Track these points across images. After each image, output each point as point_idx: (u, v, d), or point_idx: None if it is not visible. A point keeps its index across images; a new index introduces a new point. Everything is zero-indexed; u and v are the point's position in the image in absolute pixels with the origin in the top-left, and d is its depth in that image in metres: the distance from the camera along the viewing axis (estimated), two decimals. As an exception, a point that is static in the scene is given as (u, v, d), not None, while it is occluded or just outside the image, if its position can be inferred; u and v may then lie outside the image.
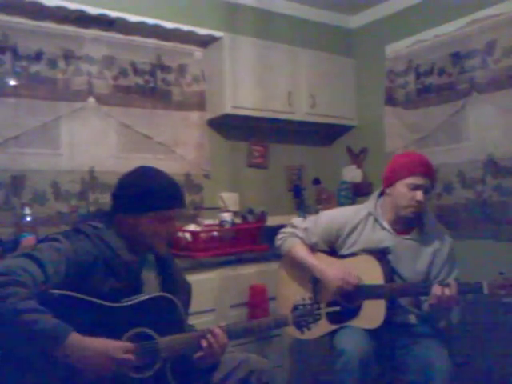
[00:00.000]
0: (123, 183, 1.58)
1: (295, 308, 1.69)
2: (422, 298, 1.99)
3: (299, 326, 1.68)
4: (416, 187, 1.93)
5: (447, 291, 1.78)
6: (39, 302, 1.26)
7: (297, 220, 2.27)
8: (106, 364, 1.28)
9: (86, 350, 1.25)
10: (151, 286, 1.59)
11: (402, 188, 1.96)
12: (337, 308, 1.88)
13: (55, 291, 1.34)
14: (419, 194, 1.93)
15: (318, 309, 1.70)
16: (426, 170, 1.96)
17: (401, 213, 1.99)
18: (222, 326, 1.56)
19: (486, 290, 1.76)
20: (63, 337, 1.23)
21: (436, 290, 1.80)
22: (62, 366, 1.26)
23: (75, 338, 1.24)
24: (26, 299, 1.22)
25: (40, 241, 1.48)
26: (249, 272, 2.63)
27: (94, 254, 1.44)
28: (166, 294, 1.52)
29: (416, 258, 2.01)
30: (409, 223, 2.03)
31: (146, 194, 1.52)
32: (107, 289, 1.42)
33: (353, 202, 3.36)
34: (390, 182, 2.02)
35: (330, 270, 2.01)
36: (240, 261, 2.61)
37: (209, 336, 1.50)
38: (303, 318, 1.68)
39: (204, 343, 1.50)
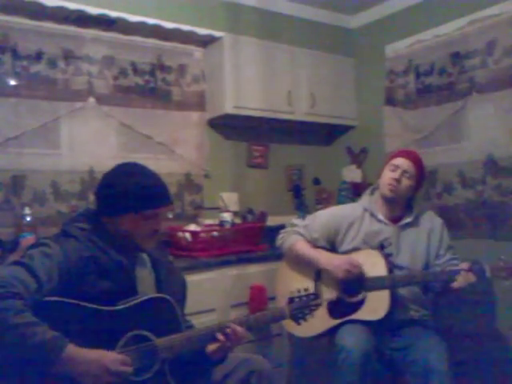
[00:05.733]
0: (104, 183, 1.55)
1: (291, 300, 1.69)
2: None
3: (296, 318, 1.67)
4: (395, 168, 2.10)
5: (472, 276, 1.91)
6: (34, 310, 1.25)
7: (296, 220, 2.33)
8: (102, 376, 1.27)
9: (82, 362, 1.25)
10: (146, 285, 1.57)
11: (384, 172, 2.14)
12: (333, 297, 1.88)
13: (50, 298, 1.32)
14: (396, 173, 2.08)
15: (314, 299, 1.69)
16: (407, 154, 2.14)
17: (382, 193, 2.13)
18: (227, 322, 1.57)
19: (488, 273, 1.90)
20: (60, 350, 1.22)
21: (466, 277, 1.91)
22: (59, 376, 1.25)
23: (72, 351, 1.24)
24: (22, 312, 1.21)
25: (29, 247, 1.46)
26: (249, 272, 2.63)
27: (85, 257, 1.43)
28: (161, 295, 1.52)
29: (414, 243, 2.12)
30: (400, 211, 2.15)
31: (127, 195, 1.48)
32: (101, 291, 1.41)
33: (353, 202, 3.36)
34: (380, 172, 2.19)
35: (335, 257, 2.09)
36: (240, 261, 2.61)
37: (228, 330, 1.52)
38: (299, 309, 1.67)
39: (220, 337, 1.52)
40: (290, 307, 1.67)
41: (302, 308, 1.67)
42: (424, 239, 2.13)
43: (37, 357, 1.21)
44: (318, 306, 1.70)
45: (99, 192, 1.55)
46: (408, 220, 2.14)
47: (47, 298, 1.32)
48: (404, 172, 2.08)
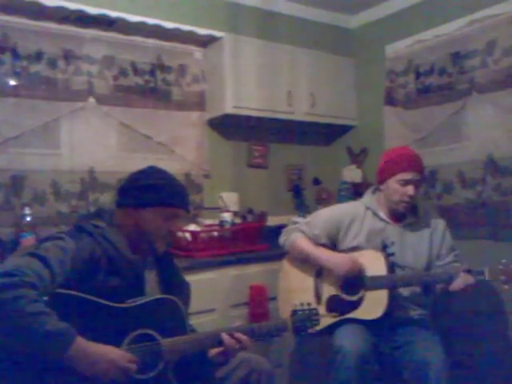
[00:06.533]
0: (132, 177, 1.60)
1: (294, 313, 1.70)
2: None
3: (298, 330, 1.69)
4: (406, 182, 2.02)
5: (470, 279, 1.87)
6: (45, 301, 1.26)
7: (297, 219, 2.35)
8: (108, 370, 1.29)
9: (90, 355, 1.27)
10: (152, 286, 1.59)
11: (393, 184, 2.05)
12: (335, 314, 1.91)
13: (61, 290, 1.34)
14: (410, 189, 2.01)
15: (316, 314, 1.72)
16: (414, 165, 2.04)
17: (395, 207, 2.08)
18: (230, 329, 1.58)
19: (487, 276, 1.86)
20: (69, 341, 1.23)
21: (465, 278, 1.88)
22: (65, 368, 1.26)
23: (80, 343, 1.25)
24: (35, 301, 1.22)
25: (43, 239, 1.47)
26: (249, 272, 2.63)
27: (97, 253, 1.45)
28: (169, 296, 1.53)
29: (416, 242, 2.10)
30: (405, 211, 2.11)
31: (154, 187, 1.54)
32: (111, 288, 1.43)
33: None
34: (382, 179, 2.12)
35: (336, 255, 2.08)
36: (240, 261, 2.61)
37: (233, 337, 1.53)
38: (302, 323, 1.69)
39: (226, 342, 1.52)
40: (292, 320, 1.69)
41: (304, 321, 1.69)
42: (426, 239, 2.11)
43: (46, 347, 1.22)
44: (319, 320, 1.72)
45: (127, 184, 1.59)
46: (411, 220, 2.13)
47: (59, 290, 1.34)
48: (415, 184, 2.03)
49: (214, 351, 1.56)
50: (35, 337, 1.20)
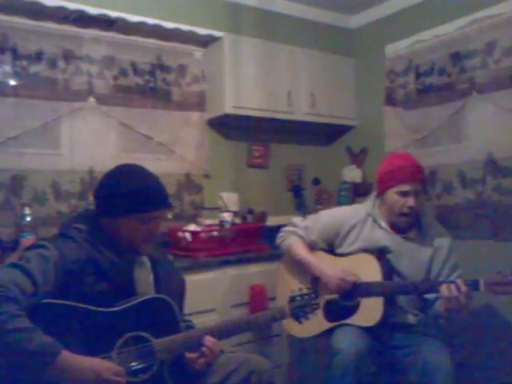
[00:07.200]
0: (104, 184, 1.54)
1: (292, 299, 1.68)
2: (429, 298, 1.97)
3: (297, 316, 1.67)
4: (406, 194, 1.95)
5: (457, 290, 1.75)
6: (30, 313, 1.24)
7: (297, 219, 2.28)
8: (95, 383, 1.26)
9: (76, 369, 1.24)
10: (144, 286, 1.57)
11: (392, 196, 1.99)
12: (335, 296, 1.88)
13: (48, 300, 1.32)
14: (410, 200, 1.94)
15: (315, 298, 1.68)
16: (414, 175, 1.96)
17: (396, 219, 2.01)
18: (214, 328, 1.56)
19: (482, 287, 1.75)
20: (53, 356, 1.21)
21: (446, 289, 1.77)
22: (52, 383, 1.24)
23: (66, 357, 1.23)
24: (17, 317, 1.20)
25: (26, 249, 1.45)
26: (249, 272, 2.63)
27: (82, 259, 1.42)
28: (159, 295, 1.52)
29: (415, 258, 2.02)
30: (407, 223, 2.04)
31: (126, 197, 1.47)
32: (99, 292, 1.41)
33: (353, 202, 3.35)
34: (381, 190, 2.05)
35: (329, 268, 2.02)
36: (240, 261, 2.61)
37: (204, 349, 1.50)
38: (301, 308, 1.66)
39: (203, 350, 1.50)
40: (290, 306, 1.67)
41: (303, 307, 1.66)
42: (427, 255, 2.02)
43: (30, 362, 1.20)
44: (319, 305, 1.68)
45: (98, 193, 1.55)
46: (414, 235, 2.04)
47: (44, 301, 1.31)
48: (415, 194, 1.95)
49: (193, 356, 1.52)
50: (19, 353, 1.18)
